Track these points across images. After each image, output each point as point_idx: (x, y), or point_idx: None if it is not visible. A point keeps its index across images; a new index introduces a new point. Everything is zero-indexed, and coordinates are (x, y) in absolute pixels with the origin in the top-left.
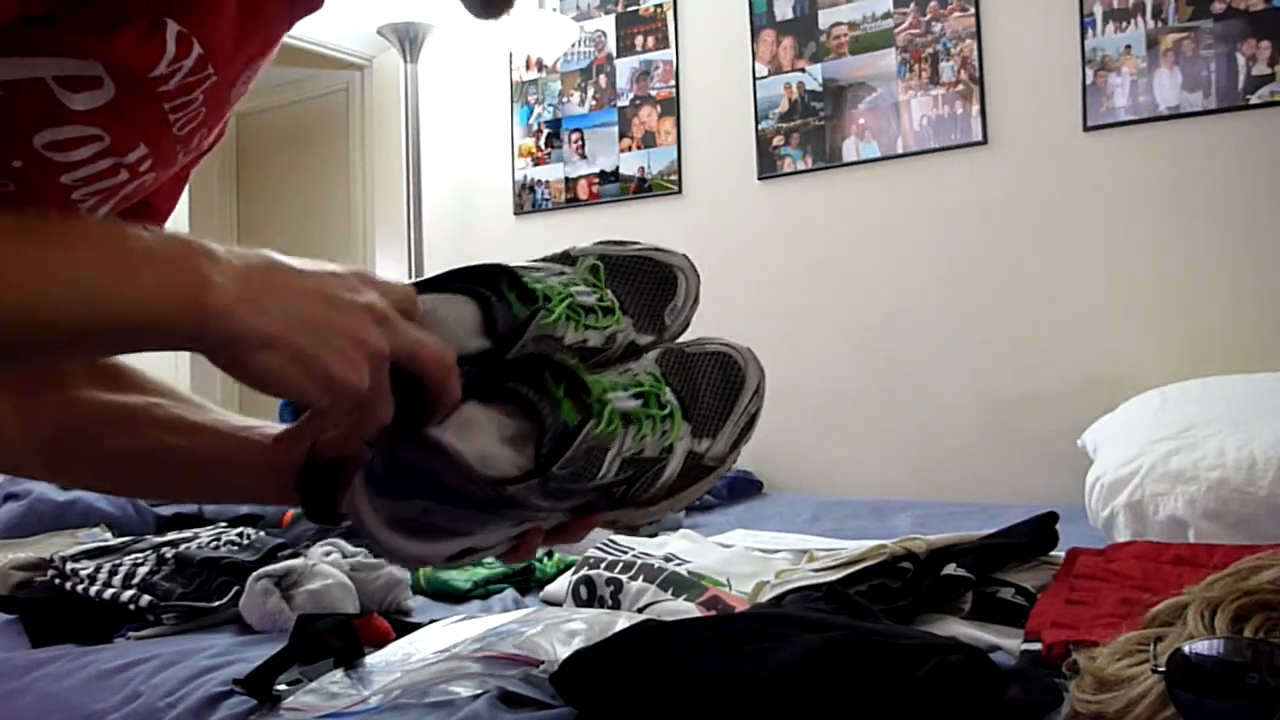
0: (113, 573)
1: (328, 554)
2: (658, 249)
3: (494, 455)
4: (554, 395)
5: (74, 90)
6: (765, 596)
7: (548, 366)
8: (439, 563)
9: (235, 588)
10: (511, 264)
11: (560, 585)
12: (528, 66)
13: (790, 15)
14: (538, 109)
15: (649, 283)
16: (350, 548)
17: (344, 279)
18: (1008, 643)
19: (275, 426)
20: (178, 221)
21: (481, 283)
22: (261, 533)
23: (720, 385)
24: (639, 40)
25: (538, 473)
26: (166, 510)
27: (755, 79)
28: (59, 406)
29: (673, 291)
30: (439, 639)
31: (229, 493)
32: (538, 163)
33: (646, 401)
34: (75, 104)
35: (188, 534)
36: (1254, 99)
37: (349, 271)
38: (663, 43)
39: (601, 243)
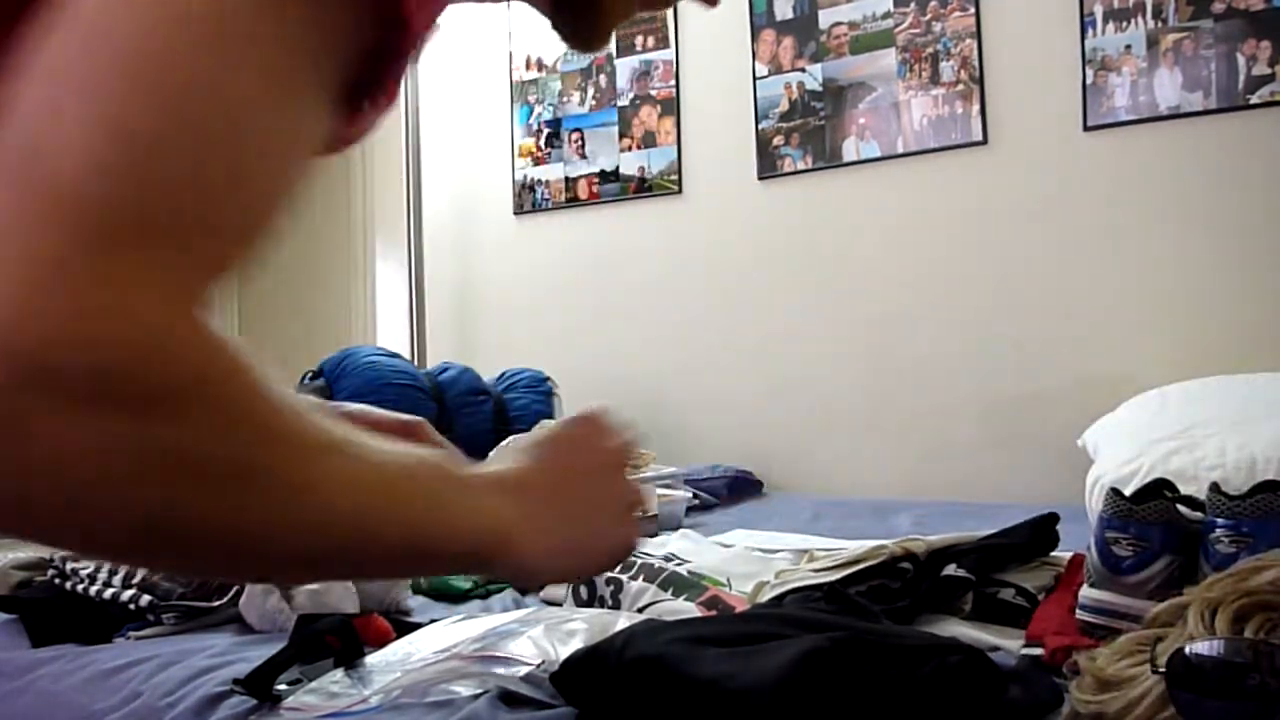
0: (113, 572)
1: None
2: None
3: None
4: None
5: None
6: (765, 596)
7: None
8: None
9: (235, 588)
10: None
11: (560, 585)
12: (528, 66)
13: (790, 15)
14: (538, 109)
15: None
16: None
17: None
18: (1008, 643)
19: None
20: None
21: None
22: None
23: None
24: (639, 40)
25: None
26: None
27: (755, 79)
28: None
29: None
30: (439, 639)
31: None
32: (538, 162)
33: None
34: None
35: None
36: (1254, 99)
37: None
38: (663, 42)
39: None
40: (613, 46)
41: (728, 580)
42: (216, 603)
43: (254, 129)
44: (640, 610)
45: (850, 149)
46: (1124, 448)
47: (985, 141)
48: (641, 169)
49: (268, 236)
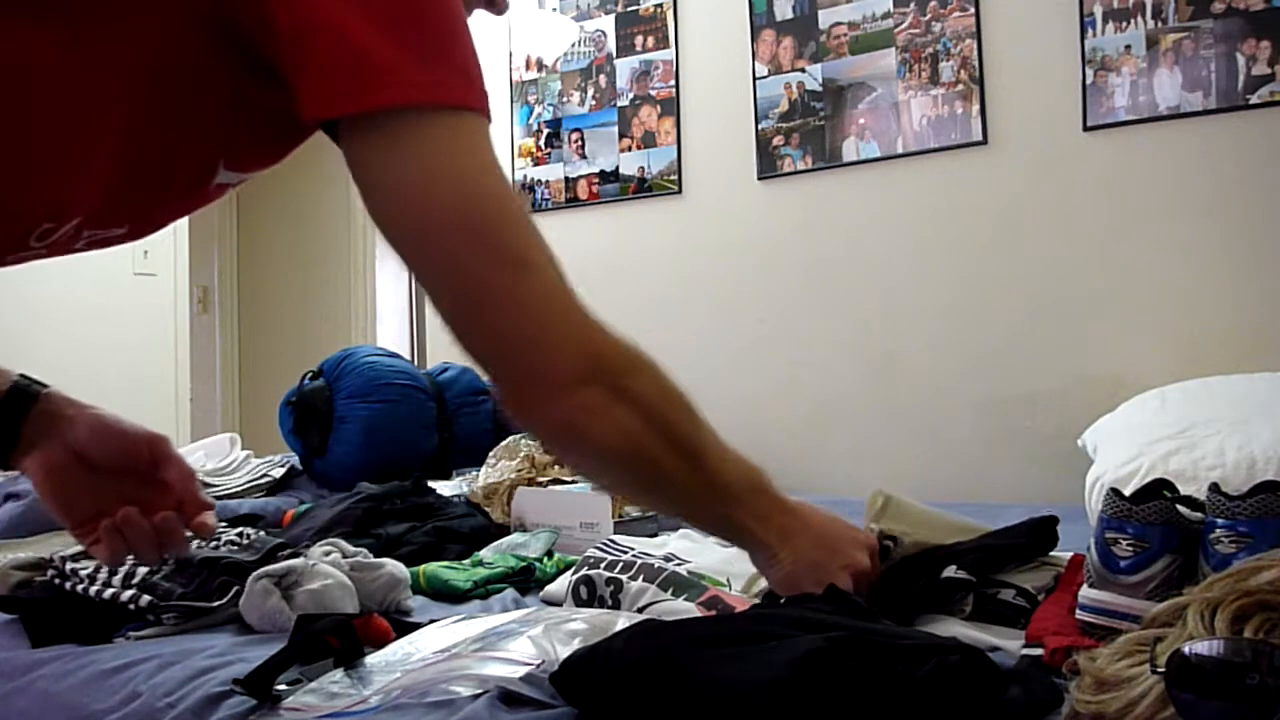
0: (113, 572)
1: (328, 554)
2: None
3: None
4: None
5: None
6: (758, 586)
7: None
8: None
9: (235, 588)
10: None
11: (560, 585)
12: (528, 66)
13: (790, 15)
14: (538, 109)
15: None
16: (350, 548)
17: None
18: (1008, 643)
19: None
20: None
21: None
22: (261, 532)
23: None
24: (639, 40)
25: None
26: None
27: (755, 79)
28: None
29: None
30: (439, 639)
31: None
32: (538, 162)
33: None
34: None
35: (187, 534)
36: (1254, 99)
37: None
38: (663, 43)
39: None
40: (613, 46)
41: (728, 580)
42: (216, 603)
43: None
44: (640, 610)
45: (850, 149)
46: (1124, 448)
47: (985, 141)
48: (641, 169)
49: None
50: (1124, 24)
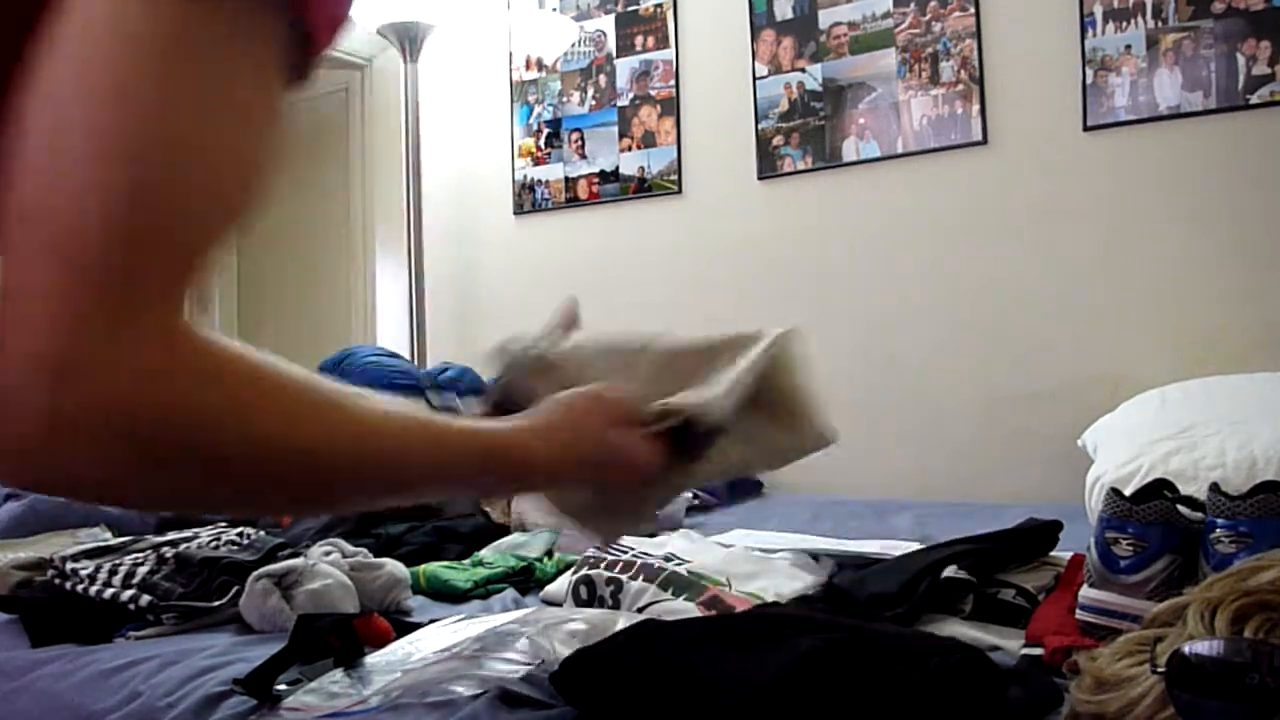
0: (113, 572)
1: (328, 554)
2: None
3: None
4: None
5: None
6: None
7: None
8: None
9: (235, 588)
10: None
11: (560, 585)
12: (528, 66)
13: (790, 15)
14: (538, 109)
15: None
16: (350, 548)
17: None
18: (1008, 643)
19: None
20: None
21: None
22: (261, 532)
23: None
24: (639, 40)
25: None
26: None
27: (755, 79)
28: None
29: None
30: (439, 639)
31: None
32: (538, 162)
33: None
34: None
35: (188, 534)
36: (1254, 99)
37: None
38: (663, 43)
39: None
40: (613, 46)
41: (728, 580)
42: (216, 603)
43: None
44: (640, 610)
45: (850, 149)
46: (1124, 448)
47: (985, 141)
48: (641, 169)
49: (242, 223)
50: (1124, 24)
